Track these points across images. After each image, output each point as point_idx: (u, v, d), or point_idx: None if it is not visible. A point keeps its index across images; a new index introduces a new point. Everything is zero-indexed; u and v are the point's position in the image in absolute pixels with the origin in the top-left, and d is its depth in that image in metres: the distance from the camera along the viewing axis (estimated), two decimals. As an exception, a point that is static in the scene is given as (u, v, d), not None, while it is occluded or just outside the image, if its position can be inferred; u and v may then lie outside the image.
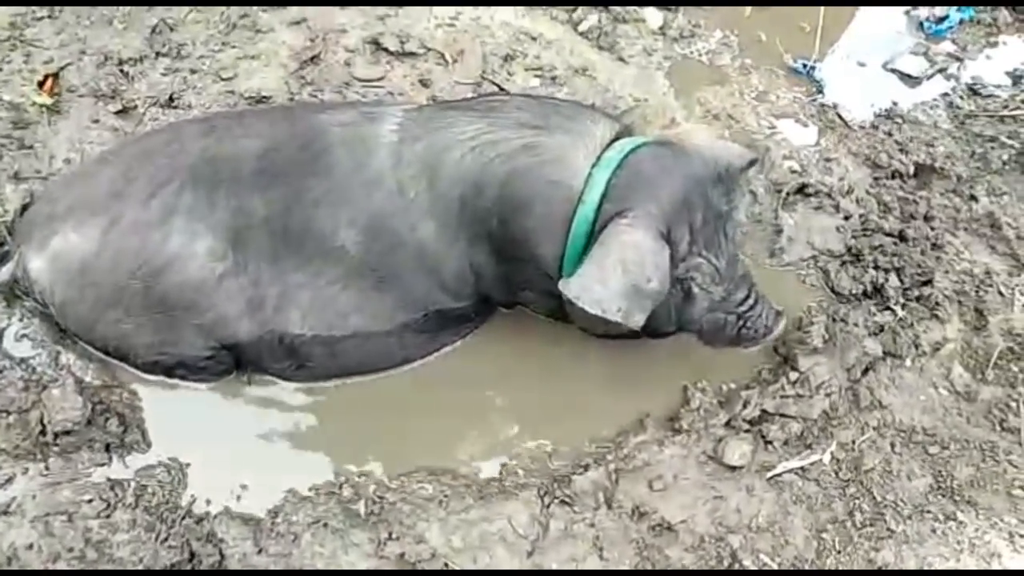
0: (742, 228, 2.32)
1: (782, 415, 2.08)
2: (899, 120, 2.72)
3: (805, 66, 2.83)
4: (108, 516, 1.87)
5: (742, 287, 2.03)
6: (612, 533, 1.90)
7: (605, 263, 1.80)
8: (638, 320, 1.82)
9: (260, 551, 1.85)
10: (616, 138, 1.95)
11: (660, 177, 1.88)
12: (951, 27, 2.99)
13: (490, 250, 2.01)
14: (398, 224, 1.98)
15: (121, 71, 2.50)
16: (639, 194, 1.85)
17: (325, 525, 1.89)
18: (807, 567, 1.86)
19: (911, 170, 2.57)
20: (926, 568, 1.85)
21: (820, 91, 2.79)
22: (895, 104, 2.77)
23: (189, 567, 1.81)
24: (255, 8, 2.64)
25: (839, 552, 1.88)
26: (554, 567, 1.85)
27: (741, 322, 2.04)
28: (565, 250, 1.90)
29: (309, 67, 2.56)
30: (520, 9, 2.82)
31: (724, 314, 2.03)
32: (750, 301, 2.03)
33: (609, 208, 1.84)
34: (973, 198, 2.50)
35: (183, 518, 1.88)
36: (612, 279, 1.79)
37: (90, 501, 1.88)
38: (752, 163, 2.10)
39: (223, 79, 2.50)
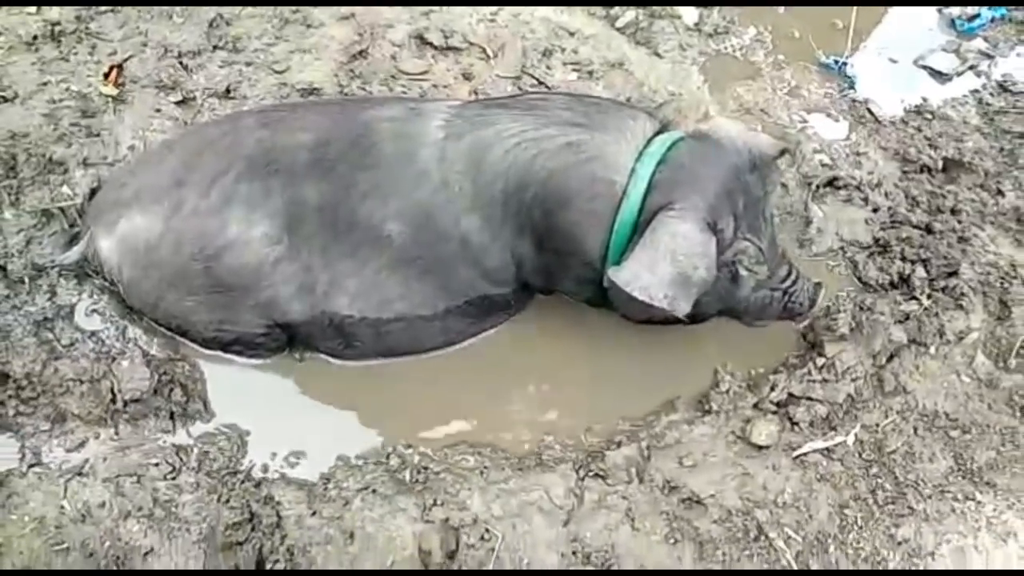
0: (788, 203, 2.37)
1: (808, 398, 2.16)
2: (929, 116, 2.77)
3: (837, 62, 2.89)
4: (174, 478, 2.00)
5: (783, 265, 2.13)
6: (643, 505, 2.00)
7: (655, 252, 1.88)
8: (683, 308, 1.90)
9: (314, 513, 1.97)
10: (656, 134, 2.03)
11: (702, 170, 1.96)
12: (983, 25, 3.04)
13: (533, 242, 2.10)
14: (443, 217, 2.07)
15: (181, 63, 2.61)
16: (683, 187, 1.93)
17: (374, 491, 2.01)
18: (830, 541, 1.95)
19: (940, 164, 2.63)
20: (944, 543, 1.93)
21: (852, 87, 2.85)
22: (925, 100, 2.83)
23: (249, 526, 1.93)
24: (307, 4, 2.75)
25: (861, 528, 1.97)
26: (588, 536, 1.95)
27: (786, 297, 2.14)
28: (609, 242, 1.99)
29: (357, 61, 2.66)
30: (559, 5, 2.91)
31: (769, 291, 2.12)
32: (792, 277, 2.14)
33: (654, 201, 1.93)
34: (1000, 193, 2.55)
35: (243, 481, 2.01)
36: (661, 268, 1.88)
37: (157, 464, 2.01)
38: (783, 152, 2.18)
39: (276, 72, 2.62)
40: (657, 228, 1.90)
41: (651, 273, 1.88)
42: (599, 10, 2.91)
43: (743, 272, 2.05)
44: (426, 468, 2.06)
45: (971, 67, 2.93)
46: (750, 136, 2.16)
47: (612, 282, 1.92)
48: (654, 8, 2.91)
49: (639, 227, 1.95)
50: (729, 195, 1.96)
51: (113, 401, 2.07)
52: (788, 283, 2.14)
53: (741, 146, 2.05)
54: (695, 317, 2.09)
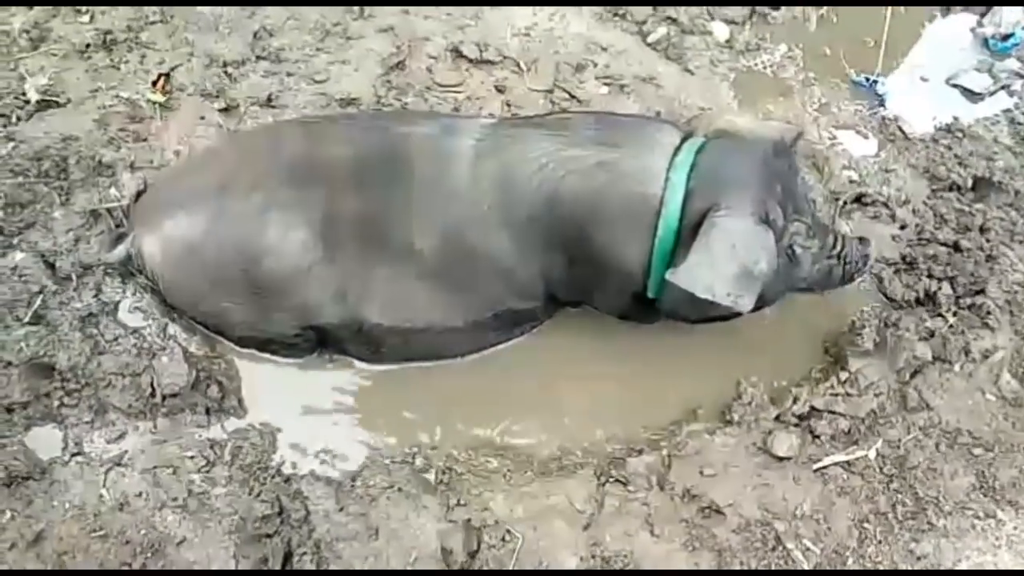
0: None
1: (831, 412, 2.19)
2: (960, 134, 2.78)
3: (868, 80, 2.91)
4: (208, 471, 2.08)
5: (828, 233, 2.17)
6: (663, 512, 2.03)
7: (713, 251, 1.92)
8: (747, 303, 1.94)
9: (341, 509, 2.04)
10: (681, 142, 2.08)
11: (736, 167, 2.01)
12: (1016, 44, 3.03)
13: (564, 257, 2.14)
14: (472, 233, 2.12)
15: (225, 72, 2.70)
16: (725, 187, 1.97)
17: (399, 490, 2.07)
18: (848, 554, 1.97)
19: (969, 183, 2.64)
20: (963, 560, 1.94)
21: (882, 104, 2.87)
22: (956, 119, 2.83)
23: (279, 520, 2.00)
24: (347, 17, 2.84)
25: (880, 542, 1.98)
26: (607, 540, 1.99)
27: (842, 263, 2.17)
28: (652, 253, 2.03)
29: (395, 72, 2.74)
30: (591, 20, 2.97)
31: (827, 261, 2.16)
32: (840, 242, 2.17)
33: (696, 206, 1.97)
34: (1030, 212, 2.56)
35: (273, 476, 2.09)
36: (722, 265, 1.91)
37: (192, 457, 2.09)
38: (798, 136, 2.22)
39: (316, 82, 2.70)
40: (710, 230, 1.94)
41: (712, 272, 1.91)
42: (631, 25, 2.96)
43: (799, 251, 2.10)
44: (450, 469, 2.11)
45: (1003, 87, 2.93)
46: (763, 126, 2.20)
47: (665, 287, 1.96)
48: (685, 23, 2.95)
49: (682, 234, 1.99)
50: (768, 185, 2.01)
51: (152, 395, 2.16)
52: (839, 248, 2.17)
53: (760, 137, 2.09)
54: (761, 305, 2.09)
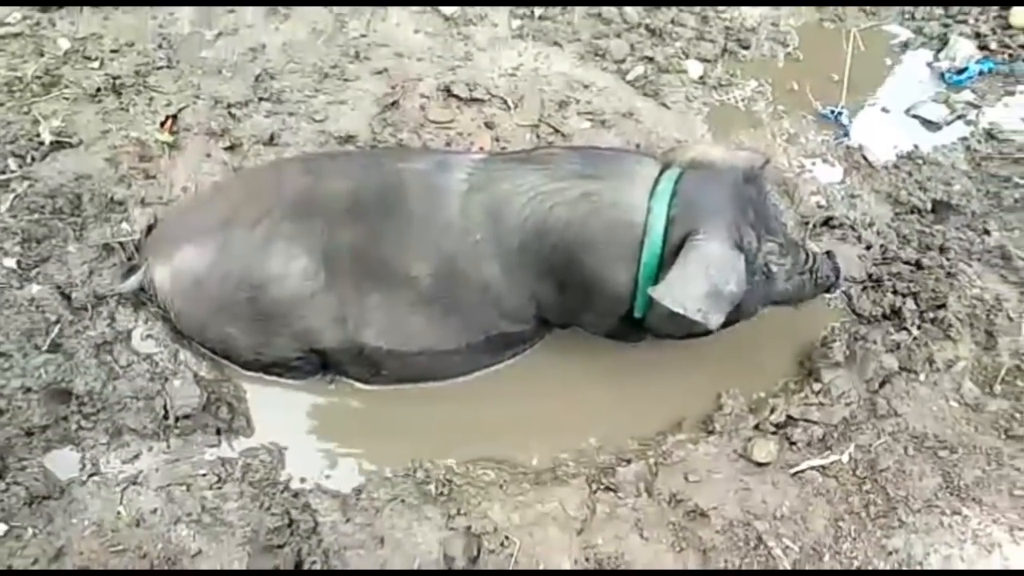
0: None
1: (806, 420, 2.33)
2: (919, 161, 2.96)
3: (833, 112, 3.10)
4: (220, 488, 2.18)
5: (799, 250, 2.32)
6: (651, 516, 2.16)
7: (688, 271, 2.07)
8: (716, 320, 2.08)
9: (347, 520, 2.15)
10: (660, 172, 2.22)
11: (711, 195, 2.15)
12: (971, 77, 3.24)
13: (554, 283, 2.27)
14: (465, 262, 2.25)
15: (229, 113, 2.85)
16: (702, 214, 2.12)
17: (402, 501, 2.18)
18: (825, 551, 2.09)
19: (929, 206, 2.81)
20: (932, 554, 2.07)
21: (846, 135, 3.05)
22: (916, 147, 3.01)
23: (289, 531, 2.11)
24: (344, 60, 3.01)
25: (854, 539, 2.11)
26: (600, 543, 2.11)
27: (814, 276, 2.32)
28: (637, 277, 2.17)
29: (390, 111, 2.90)
30: (574, 60, 3.15)
31: (799, 276, 2.30)
32: (810, 258, 2.32)
33: (677, 232, 2.11)
34: (986, 232, 2.72)
35: (282, 491, 2.19)
36: (694, 285, 2.06)
37: (204, 475, 2.20)
38: (765, 163, 2.36)
39: (316, 121, 2.85)
40: (689, 251, 2.08)
41: (684, 289, 2.06)
42: (611, 64, 3.14)
43: (774, 268, 2.24)
44: (450, 481, 2.23)
45: (960, 116, 3.12)
46: (733, 155, 2.35)
47: (651, 302, 2.10)
48: (661, 62, 3.14)
49: (665, 258, 2.13)
50: (741, 210, 2.16)
51: (166, 417, 2.27)
52: (810, 263, 2.32)
53: (732, 165, 2.25)
54: (734, 320, 2.22)
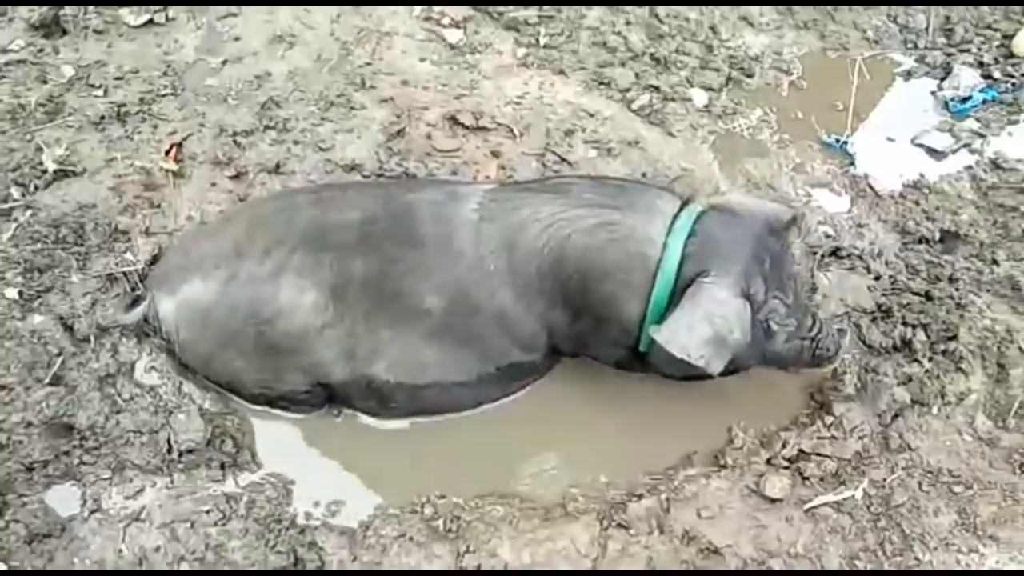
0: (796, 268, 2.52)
1: (818, 454, 2.30)
2: (926, 190, 2.95)
3: (838, 141, 3.10)
4: (224, 524, 2.14)
5: (808, 316, 2.29)
6: (664, 555, 2.12)
7: (694, 315, 2.05)
8: (717, 367, 2.07)
9: (355, 559, 2.11)
10: (680, 208, 2.21)
11: (730, 240, 2.14)
12: (975, 106, 3.25)
13: (567, 311, 2.26)
14: (478, 293, 2.24)
15: (234, 142, 2.83)
16: (716, 256, 2.11)
17: (410, 538, 2.14)
18: (841, 590, 2.07)
19: (937, 236, 2.80)
20: (950, 593, 2.04)
21: (852, 163, 3.05)
22: (922, 176, 3.00)
23: (295, 570, 2.07)
24: (349, 88, 3.00)
25: (871, 578, 2.08)
26: (613, 582, 2.08)
27: (814, 345, 2.29)
28: (647, 310, 2.15)
29: (396, 140, 2.88)
30: (579, 88, 3.14)
31: (800, 341, 2.27)
32: (817, 326, 2.29)
33: (688, 271, 2.10)
34: (995, 262, 2.71)
35: (288, 528, 2.15)
36: (699, 330, 2.05)
37: (208, 511, 2.16)
38: (794, 219, 2.36)
39: (322, 149, 2.83)
40: (696, 294, 2.07)
41: (689, 334, 2.05)
42: (616, 93, 3.14)
43: (775, 327, 2.22)
44: (459, 518, 2.19)
45: (965, 145, 3.12)
46: (763, 204, 2.35)
47: (653, 342, 2.08)
48: (667, 91, 3.14)
49: (675, 295, 2.12)
50: (757, 260, 2.14)
51: (169, 452, 2.24)
52: (815, 331, 2.29)
53: (758, 214, 2.25)
54: (733, 370, 2.22)
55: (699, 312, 2.06)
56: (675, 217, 2.18)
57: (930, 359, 2.48)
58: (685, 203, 2.24)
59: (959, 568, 2.09)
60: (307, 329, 2.22)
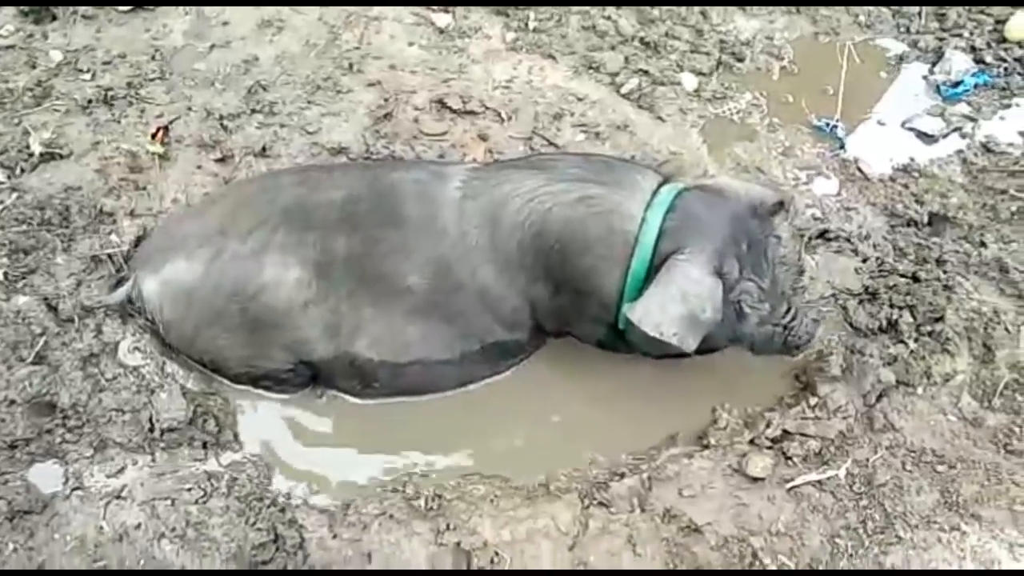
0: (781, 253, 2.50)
1: (802, 434, 2.29)
2: (916, 174, 2.94)
3: (828, 124, 3.09)
4: (205, 502, 2.14)
5: (783, 302, 2.28)
6: (645, 532, 2.11)
7: (667, 293, 2.05)
8: (691, 344, 2.06)
9: (335, 536, 2.11)
10: (660, 186, 2.21)
11: (708, 218, 2.14)
12: (967, 91, 3.23)
13: (548, 286, 2.26)
14: (461, 269, 2.24)
15: (221, 125, 2.84)
16: (692, 234, 2.10)
17: (391, 516, 2.14)
18: (821, 568, 2.05)
19: (925, 219, 2.79)
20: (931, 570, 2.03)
21: (842, 147, 3.03)
22: (912, 160, 2.99)
23: (275, 547, 2.07)
24: (337, 72, 3.00)
25: (851, 555, 2.07)
26: (592, 559, 2.07)
27: (786, 332, 2.28)
28: (625, 285, 2.15)
29: (383, 123, 2.88)
30: (568, 73, 3.14)
31: (772, 326, 2.26)
32: (791, 313, 2.28)
33: (665, 247, 2.10)
34: (983, 244, 2.69)
35: (269, 506, 2.15)
36: (671, 307, 2.04)
37: (190, 489, 2.16)
38: (780, 204, 2.35)
39: (308, 133, 2.83)
40: (669, 271, 2.07)
41: (662, 312, 2.04)
42: (605, 77, 3.13)
43: (747, 309, 2.21)
44: (440, 496, 2.19)
45: (956, 129, 3.11)
46: (750, 188, 2.34)
47: (628, 320, 2.08)
48: (656, 75, 3.13)
49: (652, 270, 2.11)
50: (734, 240, 2.13)
51: (151, 430, 2.24)
52: (788, 319, 2.28)
53: (742, 195, 2.24)
54: (707, 349, 2.21)
55: (672, 289, 2.05)
56: (655, 193, 2.17)
57: (916, 340, 2.46)
58: (667, 180, 2.23)
59: (941, 545, 2.08)
60: (291, 305, 2.23)
